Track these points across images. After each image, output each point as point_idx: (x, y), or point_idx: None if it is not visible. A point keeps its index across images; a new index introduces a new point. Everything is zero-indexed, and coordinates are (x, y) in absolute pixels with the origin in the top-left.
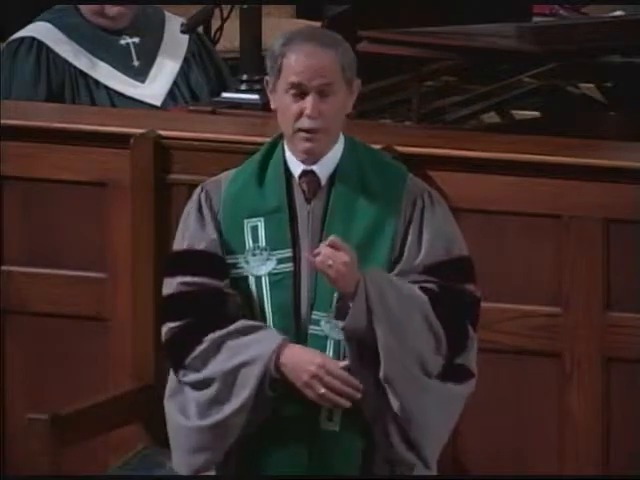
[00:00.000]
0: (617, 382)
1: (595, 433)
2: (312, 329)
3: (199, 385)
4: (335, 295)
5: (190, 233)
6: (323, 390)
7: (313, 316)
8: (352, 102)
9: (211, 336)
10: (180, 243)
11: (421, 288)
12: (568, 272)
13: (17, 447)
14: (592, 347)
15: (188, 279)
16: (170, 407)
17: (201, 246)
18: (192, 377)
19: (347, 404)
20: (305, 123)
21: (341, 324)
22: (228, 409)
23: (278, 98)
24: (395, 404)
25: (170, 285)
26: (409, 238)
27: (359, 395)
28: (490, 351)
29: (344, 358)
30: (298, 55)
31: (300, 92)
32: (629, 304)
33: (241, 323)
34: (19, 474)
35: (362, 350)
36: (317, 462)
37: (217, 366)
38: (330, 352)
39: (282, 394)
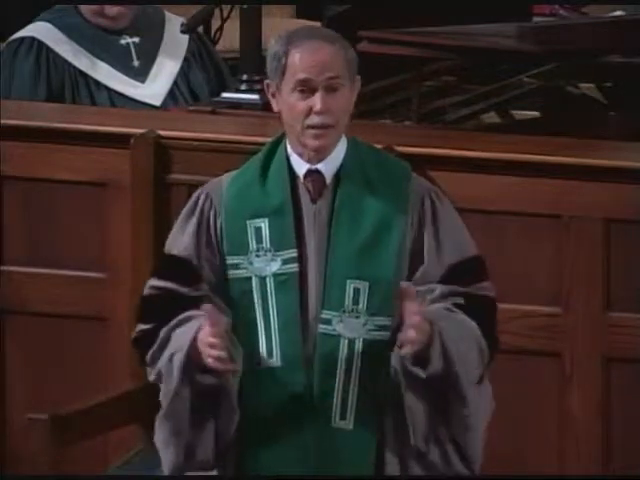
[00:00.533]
0: (617, 382)
1: (595, 433)
2: (323, 328)
3: (157, 380)
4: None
5: (171, 236)
6: (209, 359)
7: (323, 315)
8: (354, 100)
9: (162, 332)
10: (167, 243)
11: (454, 305)
12: (568, 272)
13: (17, 447)
14: (592, 347)
15: (157, 283)
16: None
17: (174, 251)
18: (152, 374)
19: (229, 367)
20: (315, 120)
21: (420, 372)
22: (167, 398)
23: (283, 99)
24: (461, 425)
25: (145, 287)
26: (426, 239)
27: (224, 354)
28: None
29: (359, 356)
30: (303, 52)
31: (307, 89)
32: (629, 304)
33: (182, 316)
34: (19, 474)
35: (420, 384)
36: (330, 461)
37: (161, 361)
38: (344, 350)
39: (293, 393)
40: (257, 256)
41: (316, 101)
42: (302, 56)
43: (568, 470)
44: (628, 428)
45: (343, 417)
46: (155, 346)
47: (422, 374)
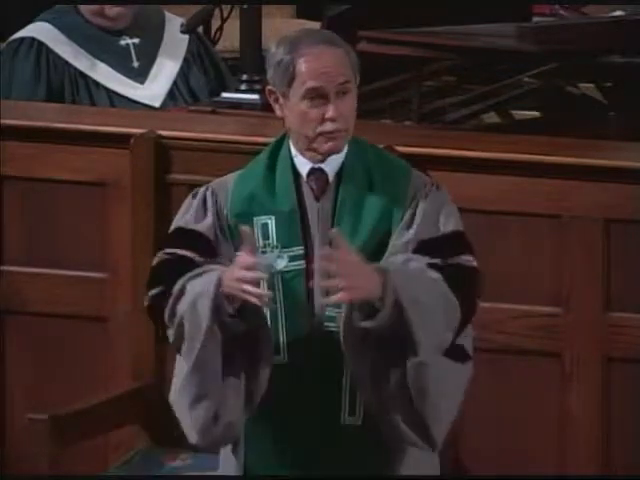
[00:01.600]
0: (617, 382)
1: (595, 433)
2: (328, 326)
3: (179, 338)
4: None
5: (185, 218)
6: (244, 286)
7: (328, 313)
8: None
9: (176, 286)
10: (175, 223)
11: (430, 263)
12: (568, 272)
13: (17, 447)
14: (592, 347)
15: (169, 250)
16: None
17: (190, 226)
18: (171, 331)
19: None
20: (328, 126)
21: (363, 322)
22: (197, 343)
23: (290, 106)
24: (415, 386)
25: (155, 259)
26: (402, 221)
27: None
28: (490, 351)
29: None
30: (310, 60)
31: (318, 96)
32: (629, 304)
33: (199, 269)
34: (19, 474)
35: (366, 340)
36: (339, 458)
37: (180, 308)
38: None
39: (300, 391)
40: (264, 252)
41: (329, 108)
42: (310, 64)
43: (568, 470)
44: (628, 428)
45: (352, 413)
46: (171, 300)
47: (369, 324)
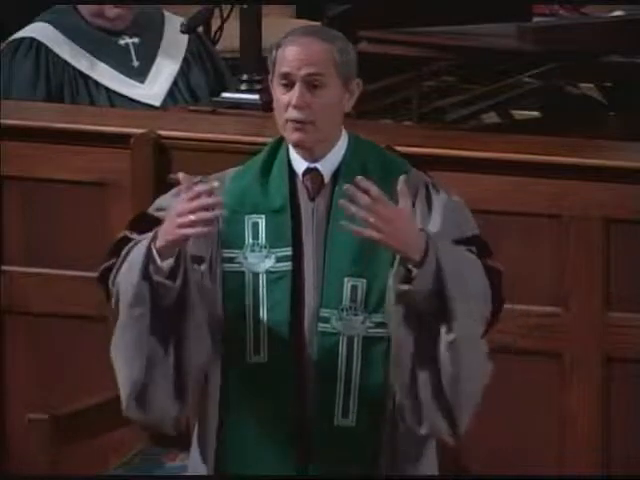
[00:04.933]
0: (617, 382)
1: (595, 433)
2: (322, 327)
3: (117, 300)
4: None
5: (159, 202)
6: (192, 217)
7: (322, 313)
8: (353, 101)
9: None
10: (150, 208)
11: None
12: (568, 272)
13: (17, 447)
14: (592, 347)
15: (127, 233)
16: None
17: (157, 214)
18: (113, 295)
19: (211, 214)
20: (292, 114)
21: (401, 287)
22: (128, 298)
23: (274, 92)
24: (449, 369)
25: (118, 236)
26: (417, 220)
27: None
28: (490, 351)
29: (359, 353)
30: (291, 46)
31: (289, 82)
32: (629, 304)
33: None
34: (19, 474)
35: (409, 315)
36: (332, 460)
37: (120, 275)
38: (344, 348)
39: (295, 392)
40: (252, 251)
41: (293, 95)
42: (289, 50)
43: (568, 470)
44: (628, 428)
45: (345, 415)
46: (114, 269)
47: (406, 287)
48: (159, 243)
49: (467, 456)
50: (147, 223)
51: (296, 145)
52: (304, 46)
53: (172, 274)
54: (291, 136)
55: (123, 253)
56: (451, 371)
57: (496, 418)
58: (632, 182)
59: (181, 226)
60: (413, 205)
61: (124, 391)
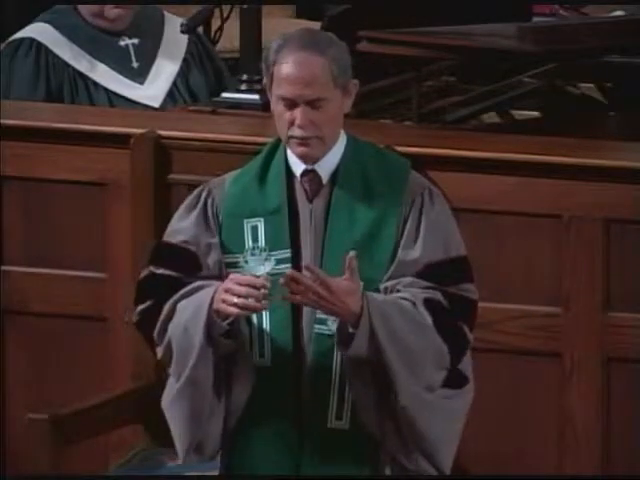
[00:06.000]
0: (617, 382)
1: (595, 433)
2: (318, 328)
3: (166, 355)
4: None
5: (170, 227)
6: (235, 299)
7: (319, 315)
8: (351, 102)
9: (166, 305)
10: (166, 233)
11: (427, 299)
12: (568, 272)
13: (17, 447)
14: (592, 347)
15: (153, 270)
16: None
17: (173, 240)
18: (160, 349)
19: (260, 307)
20: (296, 132)
21: (342, 349)
22: (190, 362)
23: (272, 103)
24: (407, 429)
25: (142, 272)
26: (405, 234)
27: (263, 292)
28: (490, 351)
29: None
30: (287, 66)
31: (291, 104)
32: (629, 304)
33: (187, 287)
34: (19, 474)
35: (363, 371)
36: (326, 462)
37: (172, 328)
38: (338, 351)
39: (285, 393)
40: (252, 255)
41: (297, 115)
42: (286, 71)
43: (568, 470)
44: (628, 428)
45: (339, 417)
46: (161, 318)
47: (344, 351)
48: (216, 305)
49: (467, 456)
50: (170, 254)
51: (303, 158)
52: (301, 66)
53: (233, 332)
54: (296, 150)
55: (169, 304)
56: (410, 430)
57: (496, 418)
58: (632, 182)
59: (225, 302)
60: (405, 220)
61: (181, 446)
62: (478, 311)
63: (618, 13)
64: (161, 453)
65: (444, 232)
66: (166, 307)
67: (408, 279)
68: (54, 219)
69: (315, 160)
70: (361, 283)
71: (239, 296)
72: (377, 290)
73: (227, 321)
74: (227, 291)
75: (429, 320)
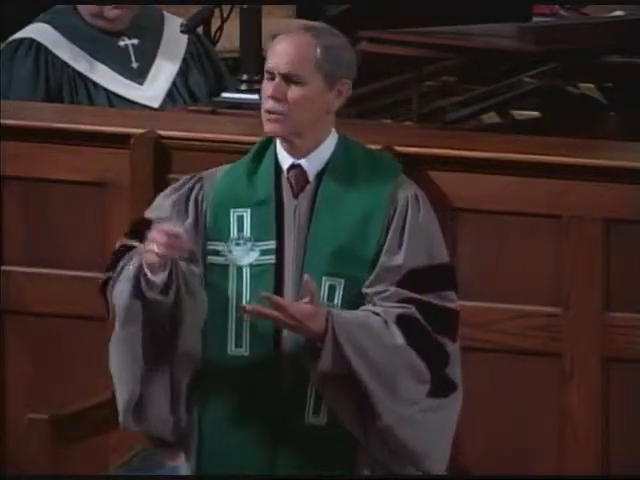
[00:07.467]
0: (617, 382)
1: (595, 433)
2: None
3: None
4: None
5: (155, 202)
6: (154, 246)
7: None
8: (338, 103)
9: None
10: (148, 209)
11: (400, 315)
12: (568, 272)
13: (17, 447)
14: (592, 347)
15: (125, 241)
16: None
17: (148, 215)
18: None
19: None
20: (267, 104)
21: (307, 362)
22: (119, 319)
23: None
24: (394, 444)
25: (117, 242)
26: (389, 239)
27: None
28: (490, 351)
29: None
30: (278, 41)
31: (272, 76)
32: (629, 304)
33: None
34: (19, 474)
35: (340, 389)
36: (303, 458)
37: (115, 289)
38: None
39: (262, 386)
40: (237, 244)
41: (270, 86)
42: (275, 45)
43: (568, 470)
44: (628, 428)
45: (316, 412)
46: (111, 282)
47: (313, 367)
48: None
49: (467, 456)
50: (143, 228)
51: (271, 134)
52: (289, 43)
53: (165, 288)
54: (265, 126)
55: (120, 265)
56: (396, 445)
57: (496, 418)
58: (632, 182)
59: (147, 252)
60: (390, 222)
61: (120, 405)
62: (477, 312)
63: (618, 13)
64: (161, 453)
65: (428, 239)
66: (117, 269)
67: (388, 292)
68: (54, 219)
69: (291, 145)
70: (323, 304)
71: (159, 245)
72: (360, 290)
73: (159, 276)
74: (151, 241)
75: (400, 339)
